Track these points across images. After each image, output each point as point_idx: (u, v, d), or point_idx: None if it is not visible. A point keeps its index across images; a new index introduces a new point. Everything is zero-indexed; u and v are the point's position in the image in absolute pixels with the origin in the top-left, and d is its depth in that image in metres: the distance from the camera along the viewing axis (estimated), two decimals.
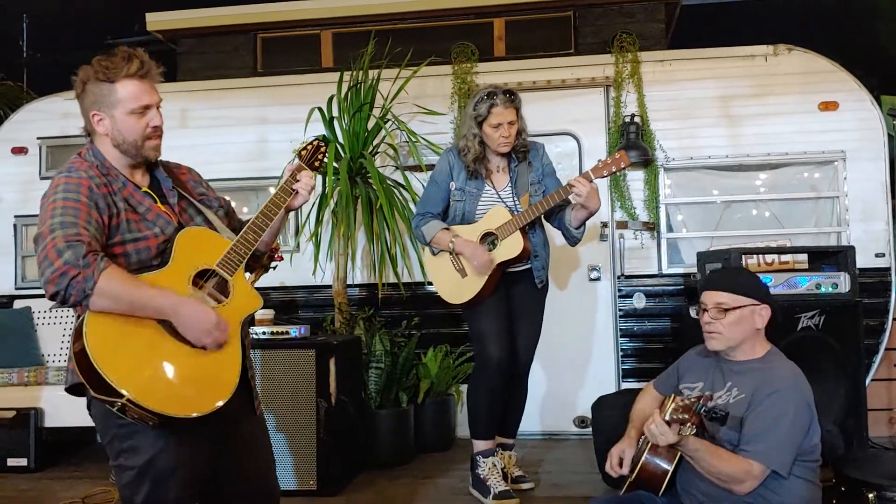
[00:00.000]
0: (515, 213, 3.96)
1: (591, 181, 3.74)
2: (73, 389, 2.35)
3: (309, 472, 4.15)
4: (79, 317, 2.23)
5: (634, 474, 2.73)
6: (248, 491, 2.51)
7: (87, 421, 2.40)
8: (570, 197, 3.79)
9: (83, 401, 2.40)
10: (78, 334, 2.16)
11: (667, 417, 2.36)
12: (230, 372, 2.32)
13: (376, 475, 4.58)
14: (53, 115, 5.92)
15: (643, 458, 2.71)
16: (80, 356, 2.14)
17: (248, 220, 2.55)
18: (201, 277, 2.38)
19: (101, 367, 2.10)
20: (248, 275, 2.67)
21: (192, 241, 2.41)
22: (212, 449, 2.40)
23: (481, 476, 4.05)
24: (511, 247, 3.92)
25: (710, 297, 2.72)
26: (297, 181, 2.61)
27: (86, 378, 2.15)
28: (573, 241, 4.08)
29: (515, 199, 4.03)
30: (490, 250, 3.93)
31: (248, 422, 2.53)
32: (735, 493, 2.55)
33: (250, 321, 2.55)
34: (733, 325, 2.68)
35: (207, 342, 2.26)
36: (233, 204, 2.80)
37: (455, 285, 4.02)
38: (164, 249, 2.38)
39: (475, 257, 3.90)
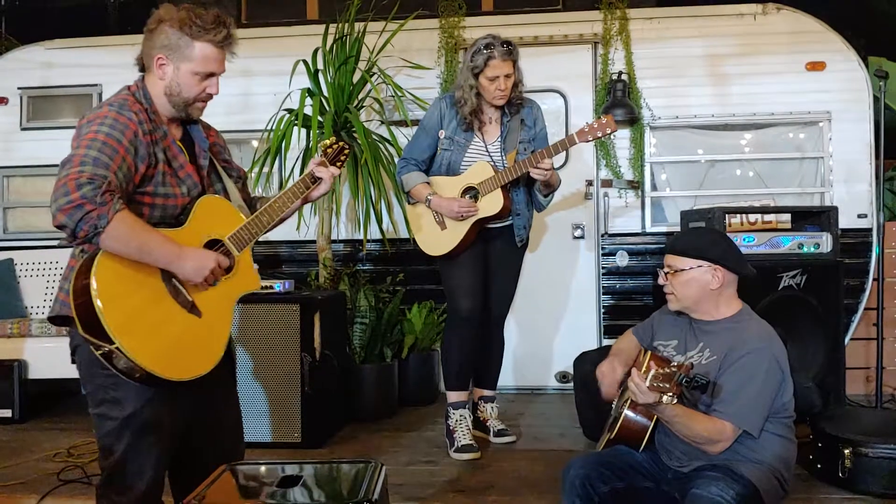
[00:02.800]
0: (500, 168, 3.94)
1: (552, 159, 3.82)
2: (57, 320, 2.37)
3: (294, 425, 4.18)
4: (83, 252, 2.25)
5: (615, 432, 2.77)
6: (216, 448, 2.55)
7: (72, 373, 2.40)
8: (532, 174, 3.82)
9: (67, 353, 2.40)
10: (86, 270, 2.15)
11: (647, 384, 2.39)
12: (217, 343, 2.40)
13: (360, 428, 4.63)
14: (35, 64, 5.80)
15: (623, 415, 2.75)
16: (82, 292, 2.14)
17: (266, 202, 2.61)
18: (210, 247, 2.42)
19: (102, 311, 2.11)
20: None
21: (210, 208, 2.46)
22: (190, 406, 2.45)
23: (450, 427, 4.12)
24: (491, 203, 3.92)
25: (665, 260, 2.82)
26: (320, 175, 2.68)
27: (78, 315, 2.16)
28: (539, 207, 4.14)
29: (503, 154, 4.01)
30: None
31: (224, 384, 2.61)
32: (708, 454, 2.60)
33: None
34: (683, 286, 2.74)
35: (203, 280, 2.32)
36: None
37: (434, 237, 4.03)
38: (184, 209, 2.41)
39: (451, 210, 3.90)
